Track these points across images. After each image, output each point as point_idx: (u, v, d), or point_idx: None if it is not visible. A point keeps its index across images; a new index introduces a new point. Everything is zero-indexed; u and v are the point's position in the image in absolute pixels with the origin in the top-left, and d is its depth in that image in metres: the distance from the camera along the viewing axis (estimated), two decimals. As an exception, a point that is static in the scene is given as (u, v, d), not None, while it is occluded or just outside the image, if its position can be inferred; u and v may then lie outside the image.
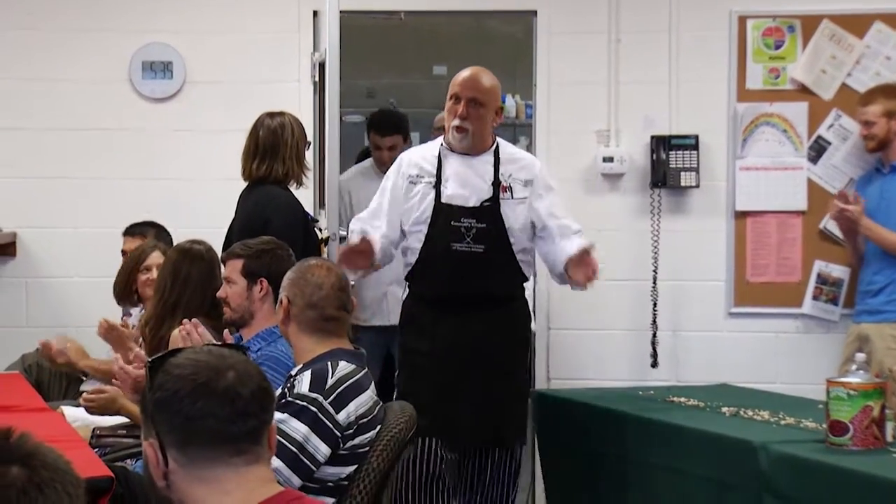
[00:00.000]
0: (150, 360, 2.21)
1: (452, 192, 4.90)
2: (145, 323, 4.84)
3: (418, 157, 5.05)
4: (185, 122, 6.52)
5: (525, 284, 5.12)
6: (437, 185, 4.92)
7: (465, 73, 4.94)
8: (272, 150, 5.16)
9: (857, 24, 6.37)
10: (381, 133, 6.61)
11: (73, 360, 5.50)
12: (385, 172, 5.27)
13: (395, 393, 5.01)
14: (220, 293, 4.37)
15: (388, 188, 5.03)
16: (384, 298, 6.42)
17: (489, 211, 4.88)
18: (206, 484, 2.12)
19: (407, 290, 5.12)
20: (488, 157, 4.95)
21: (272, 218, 5.00)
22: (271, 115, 5.27)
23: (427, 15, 7.35)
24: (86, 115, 6.51)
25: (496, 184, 4.91)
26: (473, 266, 4.86)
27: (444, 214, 4.89)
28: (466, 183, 4.90)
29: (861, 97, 6.10)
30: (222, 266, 4.53)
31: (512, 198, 4.92)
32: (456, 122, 4.88)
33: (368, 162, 6.78)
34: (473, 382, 4.86)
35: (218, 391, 2.12)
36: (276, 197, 5.11)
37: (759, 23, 6.42)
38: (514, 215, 4.92)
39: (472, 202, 4.89)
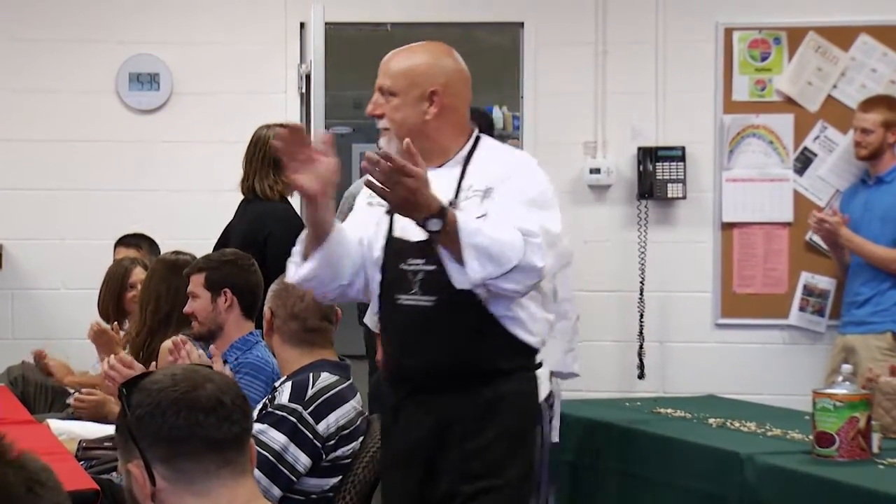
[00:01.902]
0: (122, 384, 2.19)
1: (405, 221, 3.23)
2: (135, 336, 4.82)
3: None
4: (171, 133, 6.51)
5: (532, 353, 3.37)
6: (392, 212, 3.30)
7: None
8: (247, 164, 5.19)
9: (842, 36, 6.38)
10: None
11: (58, 378, 5.49)
12: None
13: None
14: (186, 309, 4.34)
15: (355, 209, 3.53)
16: None
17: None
18: (198, 497, 2.10)
19: None
20: (454, 167, 3.36)
21: (274, 230, 5.01)
22: (266, 127, 5.24)
23: (414, 27, 7.35)
24: (72, 127, 6.50)
25: (451, 204, 3.18)
26: (421, 328, 3.28)
27: (393, 254, 3.33)
28: None
29: (862, 104, 6.08)
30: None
31: None
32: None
33: None
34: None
35: (201, 400, 2.11)
36: (277, 210, 5.13)
37: (745, 35, 6.44)
38: None
39: (419, 234, 3.20)
